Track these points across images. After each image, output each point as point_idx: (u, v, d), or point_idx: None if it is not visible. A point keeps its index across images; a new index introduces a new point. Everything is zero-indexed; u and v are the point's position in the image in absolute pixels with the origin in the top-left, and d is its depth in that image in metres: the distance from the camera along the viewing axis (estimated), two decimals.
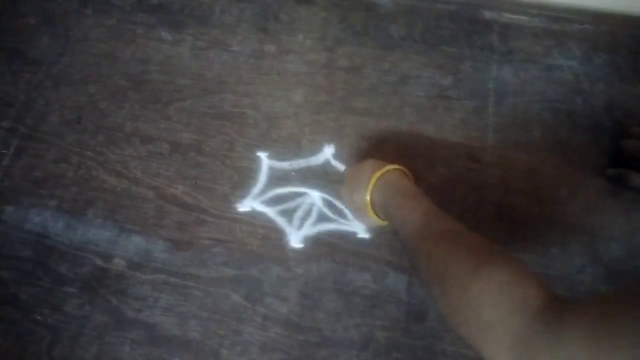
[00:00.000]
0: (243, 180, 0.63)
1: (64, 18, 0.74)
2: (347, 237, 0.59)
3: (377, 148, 0.64)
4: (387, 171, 0.51)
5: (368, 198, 0.51)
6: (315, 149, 0.64)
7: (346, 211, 0.60)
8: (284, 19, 0.73)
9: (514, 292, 0.32)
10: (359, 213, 0.54)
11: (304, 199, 0.61)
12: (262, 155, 0.64)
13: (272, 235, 0.60)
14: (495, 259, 0.35)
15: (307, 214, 0.61)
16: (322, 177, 0.62)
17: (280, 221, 0.60)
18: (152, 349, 0.55)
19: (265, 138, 0.65)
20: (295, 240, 0.59)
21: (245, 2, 0.74)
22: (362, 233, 0.59)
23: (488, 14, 0.72)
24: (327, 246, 0.59)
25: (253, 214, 0.61)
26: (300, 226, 0.60)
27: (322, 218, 0.60)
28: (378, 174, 0.50)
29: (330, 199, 0.61)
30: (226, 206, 0.62)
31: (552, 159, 0.63)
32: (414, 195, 0.48)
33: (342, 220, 0.60)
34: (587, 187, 0.61)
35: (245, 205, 0.61)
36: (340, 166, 0.63)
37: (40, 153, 0.66)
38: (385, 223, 0.53)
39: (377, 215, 0.51)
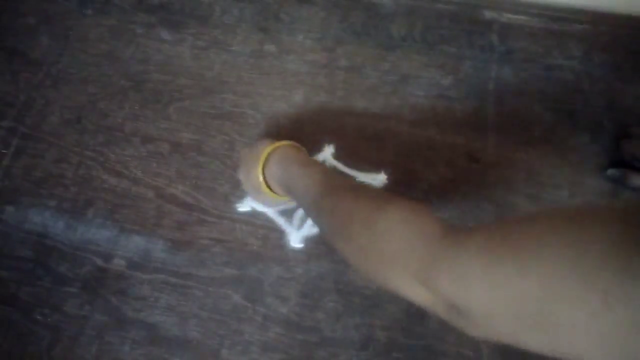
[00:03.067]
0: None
1: (64, 18, 0.74)
2: None
3: (377, 148, 0.64)
4: (280, 147, 0.53)
5: (260, 174, 0.52)
6: (315, 149, 0.64)
7: None
8: (284, 19, 0.73)
9: (416, 224, 0.35)
10: (255, 192, 0.55)
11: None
12: None
13: (272, 235, 0.60)
14: (396, 200, 0.38)
15: None
16: None
17: (280, 221, 0.60)
18: (152, 349, 0.55)
19: (265, 138, 0.65)
20: (295, 240, 0.59)
21: (245, 2, 0.74)
22: None
23: (488, 14, 0.72)
24: (327, 246, 0.59)
25: (253, 214, 0.61)
26: (300, 226, 0.60)
27: None
28: (269, 149, 0.52)
29: None
30: (226, 206, 0.62)
31: (552, 159, 0.63)
32: (310, 164, 0.50)
33: None
34: (587, 187, 0.61)
35: (245, 205, 0.61)
36: (341, 166, 0.62)
37: (40, 153, 0.66)
38: (282, 199, 0.54)
39: (273, 191, 0.53)
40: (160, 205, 0.62)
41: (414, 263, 0.33)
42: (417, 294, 0.34)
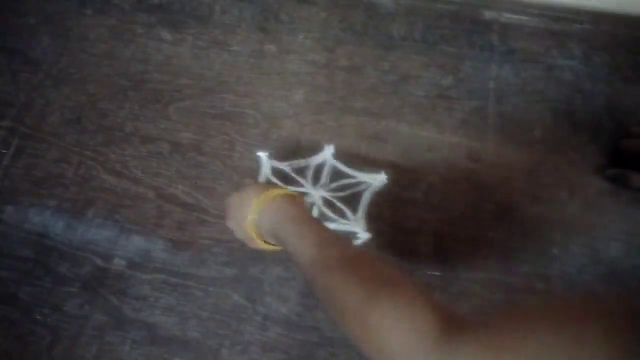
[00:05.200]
0: (243, 180, 0.63)
1: (64, 18, 0.75)
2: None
3: (377, 148, 0.64)
4: (271, 199, 0.48)
5: (252, 230, 0.48)
6: (315, 149, 0.64)
7: (346, 211, 0.60)
8: (284, 19, 0.73)
9: (409, 320, 0.33)
10: (250, 242, 0.51)
11: (303, 199, 0.61)
12: (262, 155, 0.64)
13: None
14: (390, 284, 0.36)
15: None
16: (322, 177, 0.62)
17: None
18: (152, 348, 0.55)
19: (265, 138, 0.65)
20: None
21: (246, 2, 0.74)
22: (362, 233, 0.59)
23: (488, 14, 0.72)
24: None
25: None
26: None
27: (322, 218, 0.60)
28: (263, 198, 0.48)
29: (331, 198, 0.61)
30: None
31: (552, 159, 0.63)
32: (304, 221, 0.46)
33: (342, 220, 0.60)
34: (587, 187, 0.61)
35: None
36: (341, 166, 0.62)
37: (40, 153, 0.66)
38: (278, 248, 0.49)
39: (265, 242, 0.49)
40: (160, 205, 0.62)
41: None
42: None
